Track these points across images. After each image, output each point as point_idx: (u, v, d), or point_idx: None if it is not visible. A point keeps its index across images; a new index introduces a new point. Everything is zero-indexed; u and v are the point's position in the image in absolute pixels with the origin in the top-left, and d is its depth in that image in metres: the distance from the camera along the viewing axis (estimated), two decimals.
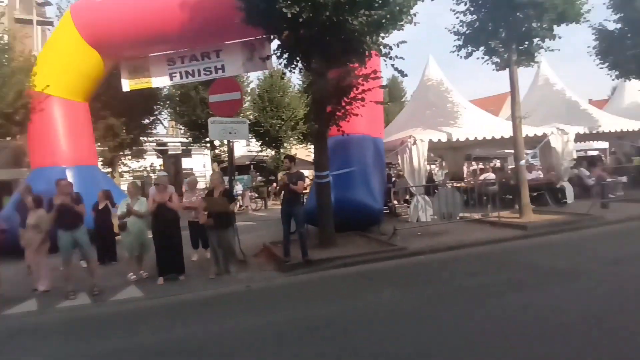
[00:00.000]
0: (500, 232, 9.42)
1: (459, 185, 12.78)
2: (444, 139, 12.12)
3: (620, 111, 17.08)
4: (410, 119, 14.03)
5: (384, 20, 7.81)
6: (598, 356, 3.57)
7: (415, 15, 8.35)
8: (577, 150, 21.11)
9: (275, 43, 9.02)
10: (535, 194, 12.42)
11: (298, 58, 8.76)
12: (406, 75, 9.01)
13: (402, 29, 8.38)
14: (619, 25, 13.36)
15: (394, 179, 15.44)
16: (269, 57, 10.39)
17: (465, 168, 20.73)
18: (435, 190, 12.14)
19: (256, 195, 20.87)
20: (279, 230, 8.38)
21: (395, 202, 14.10)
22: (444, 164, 22.23)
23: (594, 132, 14.28)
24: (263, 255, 9.02)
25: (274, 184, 21.79)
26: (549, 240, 8.77)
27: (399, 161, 12.36)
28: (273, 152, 25.08)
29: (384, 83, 10.83)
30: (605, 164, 18.81)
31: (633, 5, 12.41)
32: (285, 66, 8.90)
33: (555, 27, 10.36)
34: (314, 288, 6.66)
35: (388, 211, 13.03)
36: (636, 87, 17.26)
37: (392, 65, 8.51)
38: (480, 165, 21.99)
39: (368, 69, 8.66)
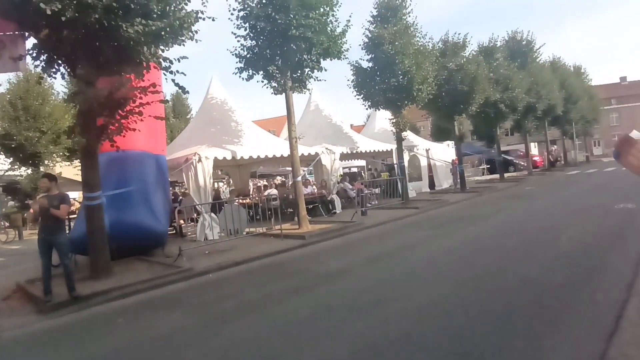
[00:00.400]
0: (283, 244, 10.09)
1: (244, 201, 13.19)
2: (229, 156, 12.37)
3: (373, 135, 20.72)
4: (195, 136, 13.86)
5: (163, 33, 7.50)
6: (368, 341, 4.15)
7: (197, 32, 8.30)
8: (343, 168, 24.68)
9: (31, 41, 7.61)
10: (311, 206, 13.85)
11: (60, 61, 7.60)
12: (188, 92, 8.84)
13: (184, 45, 8.21)
14: (370, 64, 16.17)
15: (179, 197, 14.88)
16: (21, 57, 8.67)
17: (251, 184, 21.58)
18: (222, 207, 12.22)
19: (7, 224, 17.01)
20: (38, 265, 6.97)
21: (181, 221, 13.56)
22: (230, 181, 22.65)
23: (354, 151, 16.93)
24: (16, 297, 7.35)
25: (31, 210, 18.13)
26: (324, 246, 9.87)
27: (184, 179, 11.99)
28: (30, 171, 20.94)
29: (167, 98, 10.38)
30: (363, 178, 22.42)
31: (380, 49, 15.27)
32: (44, 69, 7.60)
33: (322, 60, 11.90)
34: (83, 329, 5.75)
35: (174, 232, 12.45)
36: (384, 115, 20.36)
37: (173, 80, 8.24)
38: (265, 182, 23.27)
39: (146, 82, 8.14)
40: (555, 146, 39.04)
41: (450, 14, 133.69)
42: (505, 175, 25.78)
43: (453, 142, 21.86)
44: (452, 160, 21.91)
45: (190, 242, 11.20)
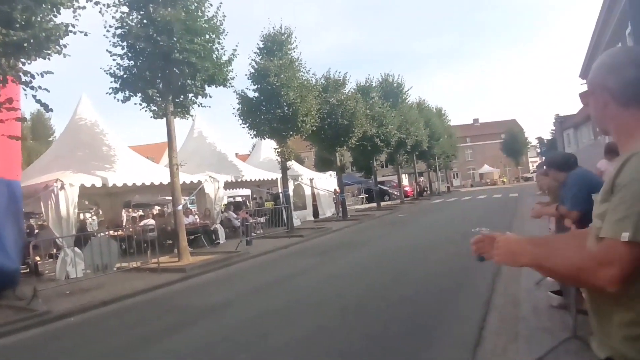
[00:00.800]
0: (160, 278, 9.33)
1: (116, 233, 11.99)
2: (99, 183, 11.20)
3: (258, 164, 20.72)
4: (58, 160, 12.27)
5: (25, 44, 6.68)
6: None
7: (65, 46, 7.53)
8: (228, 197, 24.11)
9: None
10: (192, 237, 13.15)
11: None
12: (51, 110, 7.92)
13: (49, 58, 7.39)
14: (256, 94, 16.27)
15: (35, 230, 12.96)
16: None
17: (124, 215, 19.80)
18: (89, 240, 10.91)
19: None
20: None
21: (37, 257, 11.75)
22: (100, 211, 20.49)
23: (239, 180, 16.68)
24: None
25: None
26: (205, 279, 9.36)
27: (42, 209, 10.49)
28: None
29: (26, 116, 9.14)
30: (248, 207, 22.12)
31: (266, 80, 15.51)
32: None
33: (207, 86, 11.63)
34: None
35: (27, 270, 10.71)
36: (270, 145, 20.46)
37: (34, 96, 7.30)
38: (141, 212, 21.55)
39: (2, 97, 7.10)
40: (422, 178, 43.30)
41: (332, 55, 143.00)
42: (382, 203, 27.71)
43: (335, 172, 22.89)
44: (334, 189, 22.89)
45: (47, 281, 9.75)
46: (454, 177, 62.83)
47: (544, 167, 5.95)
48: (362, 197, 35.76)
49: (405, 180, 40.79)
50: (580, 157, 4.57)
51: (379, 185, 28.97)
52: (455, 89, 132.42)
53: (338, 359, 4.12)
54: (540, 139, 61.01)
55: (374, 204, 27.35)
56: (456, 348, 4.10)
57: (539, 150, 54.97)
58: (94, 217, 21.78)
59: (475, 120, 73.71)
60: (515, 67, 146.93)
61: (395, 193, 33.45)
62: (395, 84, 29.04)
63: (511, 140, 58.27)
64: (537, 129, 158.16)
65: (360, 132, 21.23)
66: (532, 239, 1.39)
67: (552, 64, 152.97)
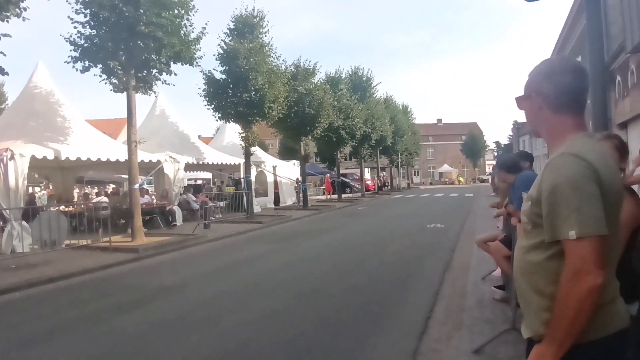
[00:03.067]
0: (111, 257, 9.06)
1: (66, 209, 11.51)
2: (51, 156, 10.69)
3: (222, 147, 20.38)
4: (9, 129, 11.58)
5: None
6: (204, 354, 3.95)
7: (25, 9, 7.12)
8: (189, 179, 23.63)
9: None
10: (148, 217, 12.82)
11: None
12: (7, 73, 7.52)
13: (8, 21, 6.98)
14: (224, 76, 15.94)
15: None
16: None
17: (76, 191, 19.00)
18: (37, 214, 10.44)
19: None
20: None
21: None
22: (50, 185, 19.57)
23: (201, 162, 16.37)
24: None
25: None
26: (159, 260, 9.19)
27: None
28: None
29: None
30: (208, 190, 21.78)
31: (235, 62, 15.21)
32: None
33: (172, 63, 11.27)
34: None
35: None
36: (234, 128, 20.17)
37: None
38: (95, 189, 20.77)
39: None
40: (384, 173, 44.04)
41: (303, 42, 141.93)
42: (343, 195, 28.00)
43: (298, 161, 22.91)
44: (297, 178, 22.91)
45: None
46: (415, 174, 64.35)
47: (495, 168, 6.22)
48: (324, 188, 35.99)
49: (367, 174, 41.35)
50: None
51: (341, 178, 29.23)
52: (422, 87, 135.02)
53: (288, 342, 4.19)
54: (497, 143, 63.45)
55: (335, 196, 27.61)
56: (403, 335, 4.27)
57: (495, 154, 57.10)
58: (44, 192, 20.78)
59: (439, 120, 75.61)
60: (480, 72, 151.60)
61: (357, 186, 33.86)
62: (364, 78, 29.28)
63: (471, 142, 60.24)
64: (496, 133, 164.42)
65: (327, 122, 21.32)
66: (547, 338, 1.36)
67: (514, 71, 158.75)
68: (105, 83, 10.62)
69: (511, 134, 46.88)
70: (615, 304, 1.37)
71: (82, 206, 12.44)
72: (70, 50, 10.18)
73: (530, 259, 1.44)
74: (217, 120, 16.82)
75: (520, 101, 1.56)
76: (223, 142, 22.16)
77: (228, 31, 16.25)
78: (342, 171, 30.95)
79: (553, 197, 1.32)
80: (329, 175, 32.15)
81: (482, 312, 4.63)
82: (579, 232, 1.26)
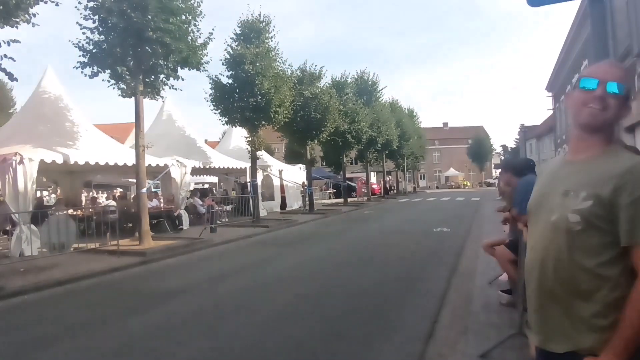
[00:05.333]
0: (119, 261, 9.13)
1: (74, 212, 11.62)
2: (60, 160, 10.79)
3: (228, 152, 20.47)
4: (18, 134, 11.71)
5: None
6: (209, 356, 3.98)
7: (35, 15, 7.24)
8: (195, 183, 23.75)
9: None
10: (155, 221, 12.90)
11: None
12: (16, 79, 7.63)
13: (17, 27, 7.09)
14: (230, 81, 16.05)
15: None
16: None
17: (84, 195, 19.17)
18: (46, 218, 10.54)
19: None
20: None
21: None
22: (58, 190, 19.76)
23: (207, 167, 16.45)
24: None
25: None
26: (166, 264, 9.24)
27: None
28: None
29: None
30: (214, 195, 21.88)
31: (241, 67, 15.32)
32: None
33: (180, 68, 11.39)
34: None
35: None
36: (241, 133, 20.29)
37: None
38: (102, 193, 20.95)
39: None
40: (390, 177, 44.01)
41: (308, 47, 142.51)
42: (349, 199, 28.00)
43: (304, 165, 22.94)
44: (303, 182, 22.95)
45: (1, 257, 9.38)
46: (421, 178, 64.18)
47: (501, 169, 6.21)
48: (330, 192, 35.99)
49: (373, 178, 41.30)
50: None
51: (347, 182, 29.23)
52: (428, 91, 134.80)
53: (294, 345, 4.20)
54: (504, 147, 63.21)
55: (341, 199, 27.60)
56: (409, 339, 4.27)
57: (502, 158, 56.85)
58: (52, 195, 20.98)
59: (445, 124, 75.36)
60: (486, 76, 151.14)
61: (363, 190, 33.82)
62: (370, 82, 29.31)
63: (477, 146, 59.95)
64: (503, 137, 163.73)
65: (332, 127, 21.36)
66: (611, 344, 1.30)
67: (521, 75, 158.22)
68: (114, 88, 10.75)
69: (518, 137, 46.71)
70: None
71: (90, 210, 12.54)
72: (79, 56, 10.31)
73: (578, 262, 1.36)
74: (223, 124, 16.98)
75: (604, 99, 1.41)
76: (229, 146, 22.25)
77: (234, 36, 16.37)
78: (348, 175, 30.94)
79: None
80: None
81: (489, 316, 4.61)
82: None
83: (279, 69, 16.86)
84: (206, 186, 25.80)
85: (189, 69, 11.63)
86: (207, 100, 16.15)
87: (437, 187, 58.47)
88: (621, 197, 1.30)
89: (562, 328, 1.39)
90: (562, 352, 1.39)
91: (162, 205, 14.61)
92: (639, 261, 1.28)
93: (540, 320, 1.47)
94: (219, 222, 14.74)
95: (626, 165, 1.33)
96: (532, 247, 1.52)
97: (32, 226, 9.94)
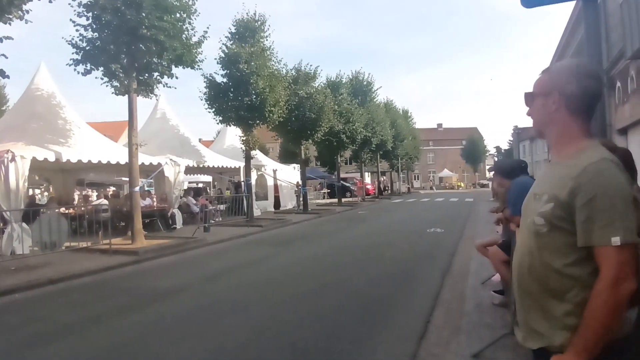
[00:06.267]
0: (111, 260, 9.07)
1: (66, 211, 11.52)
2: (52, 158, 10.70)
3: (222, 151, 20.40)
4: (10, 131, 11.59)
5: None
6: (202, 357, 3.96)
7: (28, 12, 7.17)
8: (189, 182, 23.64)
9: None
10: (148, 220, 12.82)
11: None
12: (8, 76, 7.56)
13: (10, 23, 7.03)
14: (225, 80, 15.98)
15: None
16: None
17: (77, 194, 19.02)
18: (37, 216, 10.44)
19: None
20: None
21: None
22: (50, 188, 19.59)
23: (201, 166, 16.38)
24: None
25: None
26: (159, 263, 9.19)
27: None
28: None
29: None
30: (208, 194, 21.80)
31: (236, 66, 15.27)
32: None
33: (174, 66, 11.32)
34: None
35: None
36: (235, 132, 19.94)
37: None
38: (94, 192, 20.80)
39: None
40: (384, 177, 44.08)
41: (304, 46, 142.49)
42: (343, 200, 28.01)
43: (299, 165, 22.93)
44: (297, 182, 22.93)
45: None
46: (415, 179, 64.37)
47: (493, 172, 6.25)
48: (324, 192, 35.99)
49: (367, 179, 41.36)
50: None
51: (341, 182, 29.24)
52: (423, 92, 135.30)
53: (287, 345, 4.19)
54: (498, 148, 63.57)
55: (335, 200, 27.60)
56: (402, 339, 4.28)
57: (495, 159, 57.17)
58: (45, 193, 20.79)
59: (439, 125, 75.62)
60: (481, 77, 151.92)
61: (354, 190, 33.84)
62: (365, 82, 29.35)
63: (471, 147, 60.24)
64: (497, 138, 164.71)
65: (327, 126, 21.36)
66: (572, 343, 1.34)
67: (514, 76, 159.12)
68: (107, 86, 10.67)
69: (511, 139, 46.98)
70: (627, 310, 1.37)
71: (83, 208, 12.45)
72: (72, 53, 10.23)
73: (547, 263, 1.39)
74: (218, 123, 16.95)
75: (534, 97, 1.53)
76: (224, 145, 22.18)
77: (229, 35, 16.33)
78: (342, 175, 30.96)
79: (597, 202, 1.28)
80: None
81: (481, 316, 4.63)
82: (623, 239, 1.25)
83: (274, 68, 16.84)
84: (200, 185, 25.71)
85: (183, 67, 11.57)
86: (202, 99, 16.11)
87: (431, 188, 58.67)
88: (576, 198, 1.33)
89: (538, 326, 1.43)
90: (535, 348, 1.45)
91: (155, 204, 14.52)
92: (600, 261, 1.30)
93: (521, 318, 1.51)
94: (213, 222, 14.68)
95: (582, 167, 1.35)
96: (516, 248, 1.59)
97: (24, 224, 9.85)
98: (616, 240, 1.26)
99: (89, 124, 14.41)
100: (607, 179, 1.30)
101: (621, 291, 1.25)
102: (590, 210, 1.29)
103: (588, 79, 1.43)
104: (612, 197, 1.28)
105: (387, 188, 41.99)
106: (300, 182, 22.39)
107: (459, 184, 58.28)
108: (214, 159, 17.27)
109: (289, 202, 23.02)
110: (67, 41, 10.17)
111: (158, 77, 11.16)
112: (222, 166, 17.62)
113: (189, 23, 11.12)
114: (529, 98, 1.55)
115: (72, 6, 9.94)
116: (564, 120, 1.46)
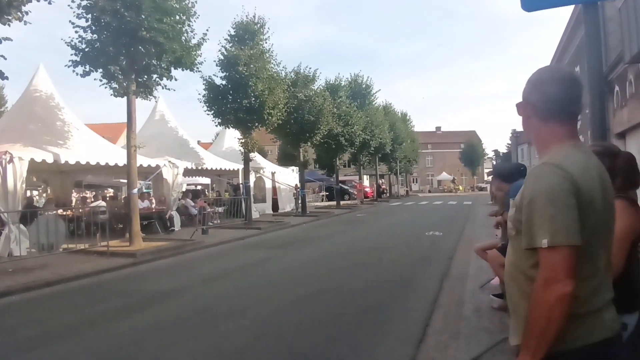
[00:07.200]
0: (109, 262, 9.03)
1: (64, 212, 11.48)
2: (50, 159, 10.68)
3: (221, 153, 20.38)
4: (8, 132, 11.56)
5: None
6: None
7: (27, 13, 7.16)
8: (188, 184, 23.61)
9: None
10: (146, 222, 12.80)
11: None
12: (7, 77, 7.53)
13: (9, 25, 7.02)
14: (224, 82, 15.99)
15: None
16: None
17: (74, 195, 18.96)
18: (35, 218, 10.40)
19: None
20: None
21: None
22: (48, 190, 19.52)
23: (199, 168, 16.37)
24: None
25: None
26: (157, 265, 9.16)
27: None
28: None
29: None
30: (206, 196, 21.76)
31: (235, 68, 15.27)
32: None
33: (173, 69, 11.31)
34: None
35: None
36: (234, 134, 20.07)
37: None
38: (92, 194, 20.73)
39: None
40: (382, 180, 44.07)
41: (303, 48, 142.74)
42: (341, 202, 27.98)
43: (297, 168, 22.91)
44: (295, 185, 22.91)
45: None
46: (414, 182, 64.39)
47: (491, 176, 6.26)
48: (323, 195, 35.97)
49: (366, 181, 41.35)
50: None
51: (340, 184, 29.22)
52: (421, 95, 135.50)
53: (285, 348, 4.17)
54: (496, 152, 63.63)
55: (334, 202, 27.58)
56: (401, 343, 4.25)
57: (494, 162, 57.23)
58: (43, 195, 20.73)
59: (438, 128, 75.78)
60: (479, 80, 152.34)
61: (353, 193, 33.84)
62: (363, 85, 29.37)
63: (470, 151, 60.30)
64: (495, 141, 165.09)
65: (326, 129, 21.37)
66: (522, 347, 1.40)
67: (513, 80, 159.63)
68: (106, 87, 10.65)
69: (510, 142, 47.05)
70: (601, 313, 1.37)
71: (80, 210, 12.40)
72: (71, 55, 10.21)
73: (517, 265, 1.47)
74: (216, 126, 16.91)
75: (518, 108, 1.60)
76: (222, 147, 22.17)
77: (229, 37, 16.34)
78: (340, 178, 30.95)
79: (531, 205, 1.35)
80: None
81: (480, 320, 4.62)
82: (550, 241, 1.29)
83: (273, 70, 16.84)
84: (198, 187, 25.67)
85: (183, 70, 11.56)
86: (201, 101, 16.10)
87: (429, 191, 58.68)
88: (522, 201, 1.41)
89: (513, 324, 1.51)
90: (512, 345, 1.50)
91: (153, 206, 14.49)
92: (539, 262, 1.34)
93: (511, 319, 1.57)
94: (211, 224, 14.66)
95: (529, 172, 1.45)
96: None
97: (21, 226, 9.82)
98: (544, 242, 1.30)
99: (87, 125, 14.38)
100: (541, 182, 1.36)
101: (551, 292, 1.28)
102: (529, 213, 1.36)
103: (549, 84, 1.46)
104: (541, 200, 1.33)
105: (385, 191, 41.98)
106: (298, 185, 22.38)
107: (457, 187, 58.35)
108: (212, 161, 17.25)
109: (287, 204, 23.00)
110: (66, 43, 10.16)
111: (157, 79, 11.15)
112: (221, 168, 17.60)
113: (189, 25, 11.12)
114: (518, 108, 1.61)
115: (71, 7, 9.94)
116: (537, 127, 1.52)
